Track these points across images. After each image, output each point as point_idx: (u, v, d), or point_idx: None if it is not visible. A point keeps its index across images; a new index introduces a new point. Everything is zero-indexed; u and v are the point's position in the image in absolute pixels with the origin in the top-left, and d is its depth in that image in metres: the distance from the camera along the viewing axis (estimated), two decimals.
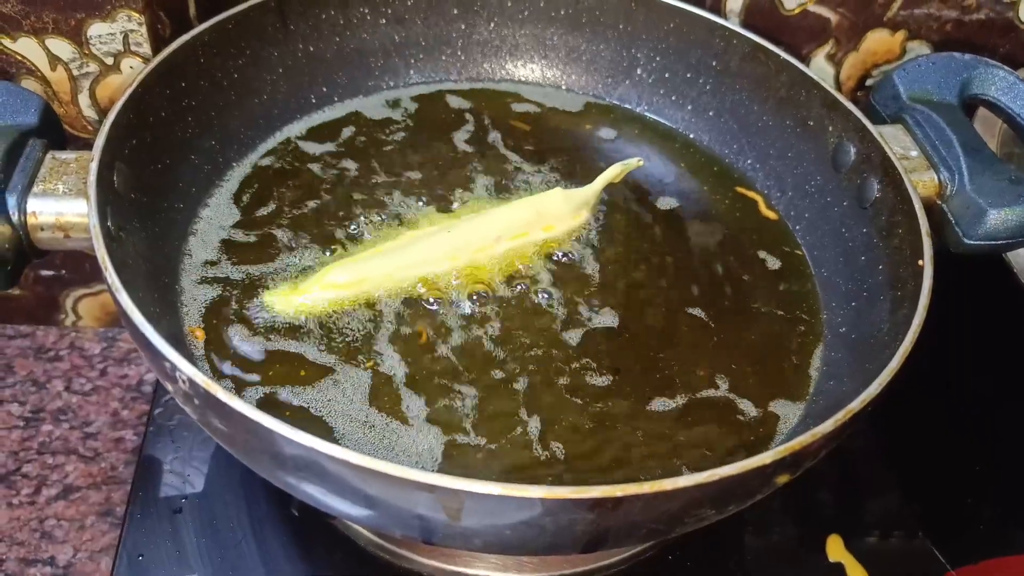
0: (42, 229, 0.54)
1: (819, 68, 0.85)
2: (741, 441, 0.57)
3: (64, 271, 0.82)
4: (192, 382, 0.45)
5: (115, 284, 0.48)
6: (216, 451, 0.69)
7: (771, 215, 0.71)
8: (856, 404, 0.48)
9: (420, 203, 0.68)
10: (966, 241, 0.62)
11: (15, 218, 0.54)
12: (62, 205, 0.54)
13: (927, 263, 0.56)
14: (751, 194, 0.73)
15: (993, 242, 0.62)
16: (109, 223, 0.53)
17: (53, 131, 0.59)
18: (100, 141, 0.55)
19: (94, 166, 0.53)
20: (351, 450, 0.42)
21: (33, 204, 0.54)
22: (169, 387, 0.48)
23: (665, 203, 0.71)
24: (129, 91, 0.58)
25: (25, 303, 0.85)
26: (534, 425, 0.55)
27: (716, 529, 0.51)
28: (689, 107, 0.77)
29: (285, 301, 0.60)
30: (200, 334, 0.57)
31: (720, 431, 0.57)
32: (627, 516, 0.45)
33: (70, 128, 0.72)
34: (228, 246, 0.63)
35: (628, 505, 0.43)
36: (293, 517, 0.64)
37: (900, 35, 0.83)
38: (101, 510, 0.75)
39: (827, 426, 0.47)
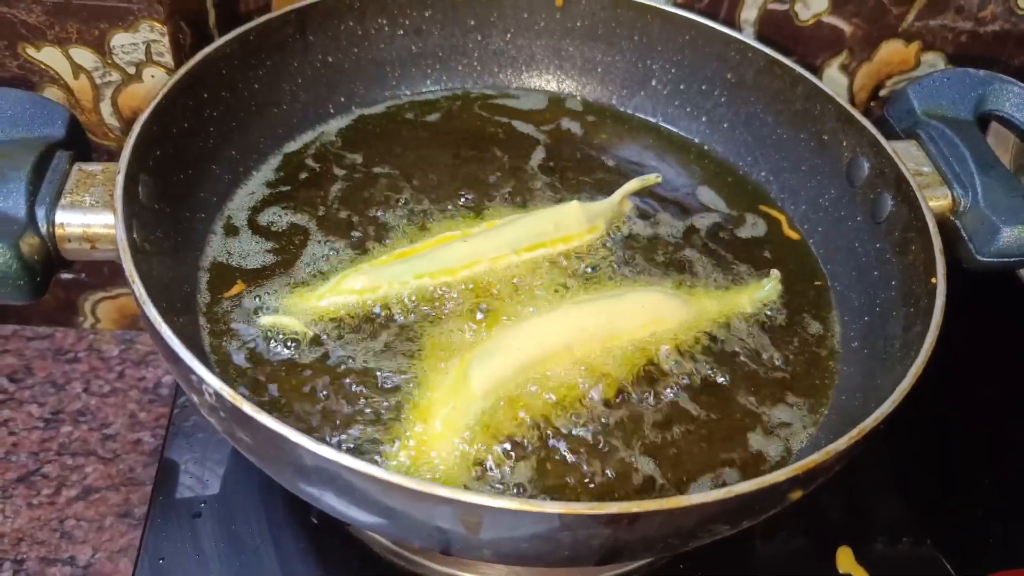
0: (69, 240, 0.55)
1: (833, 78, 0.85)
2: (752, 453, 0.57)
3: (83, 274, 0.83)
4: (219, 395, 0.46)
5: (143, 297, 0.49)
6: (233, 453, 0.70)
7: (794, 235, 0.72)
8: (869, 422, 0.49)
9: (437, 212, 0.69)
10: (979, 258, 0.62)
11: (43, 229, 0.54)
12: (89, 217, 0.55)
13: (940, 281, 0.57)
14: (775, 213, 0.73)
15: (1006, 259, 0.62)
16: (135, 235, 0.54)
17: (79, 142, 0.60)
18: (126, 154, 0.55)
19: (120, 179, 0.54)
20: (374, 464, 0.43)
21: (61, 216, 0.55)
22: (194, 398, 0.49)
23: (681, 220, 0.72)
24: (153, 104, 0.59)
25: (44, 305, 0.86)
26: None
27: (727, 540, 0.51)
28: (704, 119, 0.78)
29: (303, 306, 0.61)
30: (239, 287, 0.61)
31: (730, 441, 0.58)
32: (643, 531, 0.45)
33: (92, 135, 0.73)
34: (248, 253, 0.64)
35: (644, 521, 0.44)
36: (310, 523, 0.65)
37: (914, 46, 0.83)
38: (120, 511, 0.76)
39: (840, 444, 0.47)
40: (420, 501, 0.44)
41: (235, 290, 0.61)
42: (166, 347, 0.47)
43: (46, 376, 0.84)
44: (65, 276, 0.83)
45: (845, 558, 0.65)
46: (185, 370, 0.47)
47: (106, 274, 0.83)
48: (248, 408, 0.45)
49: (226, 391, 0.45)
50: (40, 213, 0.54)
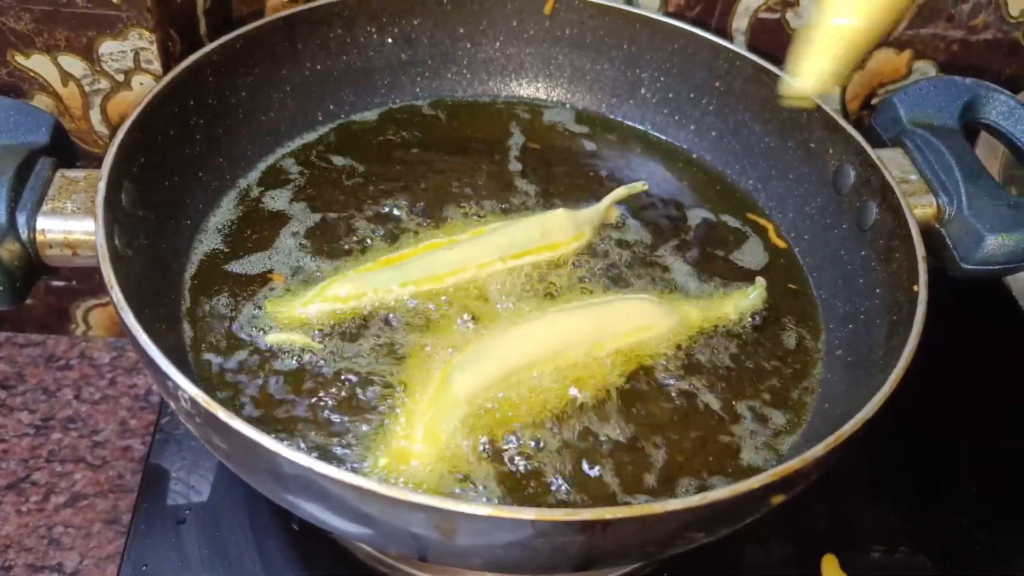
0: (50, 247, 0.55)
1: None
2: (736, 460, 0.57)
3: (74, 281, 0.83)
4: (194, 401, 0.46)
5: (120, 303, 0.49)
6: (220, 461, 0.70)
7: (780, 243, 0.72)
8: (847, 428, 0.49)
9: (424, 219, 0.69)
10: (964, 266, 0.62)
11: (24, 235, 0.55)
12: (70, 223, 0.55)
13: (922, 289, 0.57)
14: (762, 221, 0.73)
15: (991, 267, 0.62)
16: (116, 241, 0.54)
17: (63, 149, 0.60)
18: (108, 161, 0.56)
19: (102, 186, 0.54)
20: (349, 471, 0.43)
21: (42, 222, 0.55)
22: (172, 404, 0.49)
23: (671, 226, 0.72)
24: (137, 111, 0.59)
25: (36, 312, 0.86)
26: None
27: (711, 547, 0.51)
28: (692, 127, 0.78)
29: (287, 313, 0.61)
30: (279, 278, 0.62)
31: (714, 448, 0.58)
32: (618, 538, 0.45)
33: (81, 143, 0.73)
34: (232, 260, 0.64)
35: (618, 528, 0.44)
36: (294, 531, 0.65)
37: (906, 55, 0.83)
38: (108, 518, 0.76)
39: (817, 451, 0.47)
40: (395, 508, 0.44)
41: (277, 281, 0.62)
42: (143, 352, 0.48)
43: (38, 383, 0.84)
44: (57, 283, 0.83)
45: (830, 565, 0.65)
46: (161, 375, 0.47)
47: (97, 281, 0.83)
48: (223, 414, 0.45)
49: (201, 397, 0.45)
50: (21, 219, 0.54)
